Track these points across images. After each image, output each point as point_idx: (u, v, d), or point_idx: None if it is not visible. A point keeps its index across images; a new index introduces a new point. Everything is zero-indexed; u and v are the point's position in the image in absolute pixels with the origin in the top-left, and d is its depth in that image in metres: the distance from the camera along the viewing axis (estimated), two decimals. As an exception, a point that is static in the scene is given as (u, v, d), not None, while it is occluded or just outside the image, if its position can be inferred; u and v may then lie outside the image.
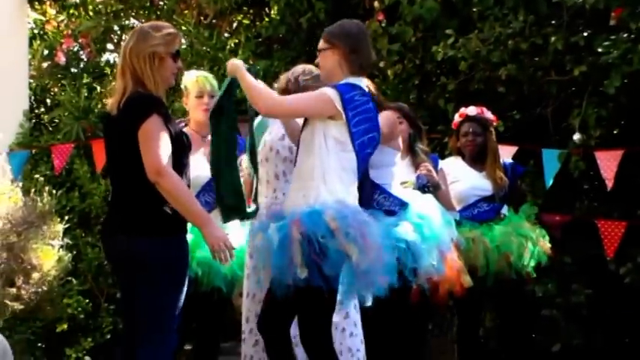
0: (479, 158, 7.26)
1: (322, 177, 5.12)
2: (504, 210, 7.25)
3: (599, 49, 7.94)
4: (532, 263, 7.06)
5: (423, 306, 6.69)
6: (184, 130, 6.44)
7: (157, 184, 4.75)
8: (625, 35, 7.91)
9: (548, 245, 7.18)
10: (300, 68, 6.06)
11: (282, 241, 4.96)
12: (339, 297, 5.30)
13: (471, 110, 7.33)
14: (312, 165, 5.15)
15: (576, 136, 8.10)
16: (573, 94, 8.52)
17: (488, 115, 7.34)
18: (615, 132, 8.68)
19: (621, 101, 8.12)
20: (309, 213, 5.01)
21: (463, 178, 7.16)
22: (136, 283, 4.89)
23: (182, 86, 6.63)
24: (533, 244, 7.07)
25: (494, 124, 7.44)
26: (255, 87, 5.14)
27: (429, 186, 6.60)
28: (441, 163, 7.21)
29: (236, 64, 5.26)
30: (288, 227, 4.99)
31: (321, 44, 5.36)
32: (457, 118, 7.41)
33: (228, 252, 4.84)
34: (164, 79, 4.98)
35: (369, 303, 5.40)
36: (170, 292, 4.89)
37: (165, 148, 4.78)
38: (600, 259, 8.24)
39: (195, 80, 6.52)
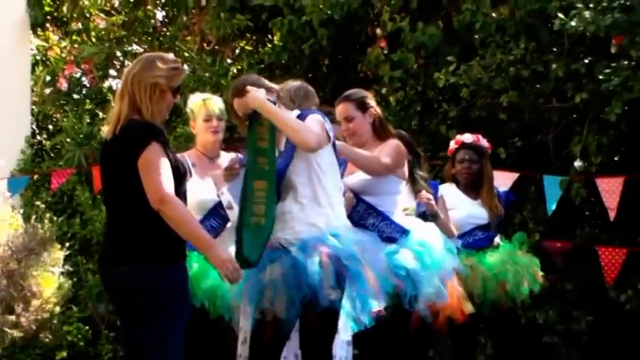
0: (473, 186, 7.25)
1: (329, 203, 5.16)
2: (497, 238, 7.24)
3: (600, 77, 7.95)
4: (526, 291, 7.05)
5: (423, 333, 6.65)
6: (189, 153, 6.48)
7: (161, 212, 4.73)
8: (625, 63, 7.92)
9: (541, 274, 7.15)
10: (295, 84, 6.04)
11: (313, 263, 4.95)
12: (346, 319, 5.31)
13: (467, 137, 7.32)
14: (316, 193, 5.16)
15: (577, 163, 8.10)
16: (574, 121, 8.53)
17: (484, 142, 7.33)
18: (616, 159, 8.68)
19: (622, 128, 8.12)
20: (331, 235, 5.06)
21: (459, 206, 7.14)
22: (137, 313, 4.87)
23: (188, 110, 6.59)
24: (528, 273, 7.05)
25: (489, 151, 7.42)
26: (295, 121, 5.14)
27: (427, 214, 6.60)
28: (442, 188, 7.19)
29: (260, 100, 5.15)
30: (312, 250, 5.00)
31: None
32: (453, 145, 7.40)
33: (236, 272, 4.83)
34: (160, 111, 4.96)
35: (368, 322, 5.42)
36: (173, 321, 4.85)
37: (166, 175, 4.76)
38: (601, 286, 8.22)
39: (203, 103, 6.49)
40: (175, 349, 4.85)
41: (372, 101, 6.11)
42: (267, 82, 5.34)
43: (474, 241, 7.10)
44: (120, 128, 4.88)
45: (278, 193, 5.23)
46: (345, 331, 5.52)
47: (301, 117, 5.24)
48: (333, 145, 5.31)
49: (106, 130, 5.01)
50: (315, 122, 5.17)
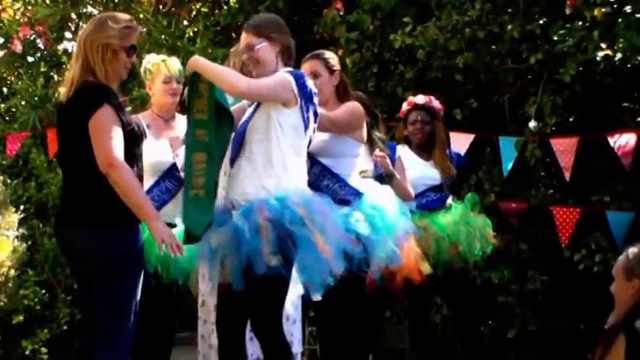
0: (426, 147, 7.26)
1: (282, 164, 5.08)
2: (450, 199, 7.27)
3: (555, 38, 7.98)
4: (479, 251, 7.09)
5: (379, 294, 6.69)
6: (143, 114, 6.43)
7: (108, 175, 4.71)
8: (580, 23, 7.96)
9: (493, 234, 7.20)
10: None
11: (252, 228, 4.91)
12: (298, 284, 5.31)
13: (419, 99, 7.33)
14: (269, 153, 5.11)
15: (532, 124, 8.13)
16: (529, 82, 8.56)
17: (436, 103, 7.34)
18: (571, 120, 8.73)
19: (576, 89, 8.15)
20: (275, 199, 4.97)
21: (411, 167, 7.14)
22: (91, 276, 4.86)
23: (142, 70, 6.53)
24: (480, 234, 7.09)
25: (442, 112, 7.43)
26: (225, 70, 5.11)
27: (383, 175, 6.61)
28: (399, 149, 7.20)
29: (195, 57, 5.16)
30: (255, 214, 4.96)
31: (255, 39, 5.27)
32: (405, 106, 7.41)
33: (176, 249, 4.80)
34: (115, 72, 4.93)
35: (318, 297, 5.41)
36: (127, 284, 4.85)
37: (117, 139, 4.74)
38: (556, 246, 8.28)
39: (163, 64, 6.43)
40: (129, 311, 4.85)
41: (338, 66, 6.10)
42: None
43: (427, 202, 7.13)
44: (73, 91, 4.86)
45: (234, 156, 5.22)
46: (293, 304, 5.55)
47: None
48: (308, 110, 5.23)
49: (62, 93, 4.98)
50: (274, 79, 5.12)
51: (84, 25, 10.82)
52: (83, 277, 4.95)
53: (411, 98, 7.34)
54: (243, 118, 5.27)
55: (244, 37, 5.32)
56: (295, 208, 4.91)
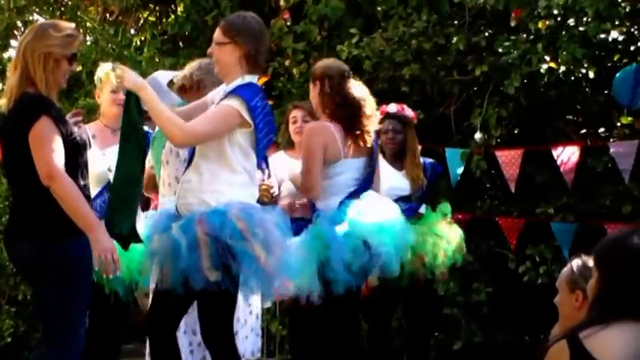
0: (399, 156, 7.24)
1: (228, 181, 5.06)
2: (422, 209, 7.25)
3: (500, 50, 8.04)
4: (447, 263, 7.07)
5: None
6: (90, 125, 6.39)
7: (50, 187, 4.68)
8: (524, 36, 8.03)
9: (463, 244, 7.20)
10: (195, 63, 6.03)
11: (189, 243, 4.89)
12: (242, 296, 5.29)
13: (392, 107, 7.29)
14: (217, 169, 5.09)
15: (477, 136, 8.18)
16: (475, 94, 8.62)
17: (409, 112, 7.32)
18: (515, 132, 8.80)
19: (521, 101, 8.22)
20: (213, 213, 4.94)
21: (382, 178, 7.14)
22: (40, 287, 4.83)
23: (95, 79, 6.47)
24: (447, 243, 7.07)
25: (414, 121, 7.43)
26: (165, 118, 4.95)
27: None
28: None
29: (140, 85, 5.00)
30: (194, 228, 4.93)
31: (222, 37, 5.17)
32: (378, 115, 7.38)
33: (113, 265, 4.77)
34: (56, 81, 4.88)
35: (268, 304, 5.42)
36: (74, 294, 4.82)
37: (57, 150, 4.70)
38: (501, 258, 8.34)
39: (112, 74, 6.38)
40: (78, 321, 4.84)
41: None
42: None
43: None
44: (13, 102, 4.82)
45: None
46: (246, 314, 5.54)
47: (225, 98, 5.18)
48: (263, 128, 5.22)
49: (2, 104, 4.94)
50: (217, 115, 5.05)
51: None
52: (34, 288, 4.93)
53: (383, 107, 7.30)
54: None
55: (216, 31, 5.24)
56: (235, 222, 4.88)
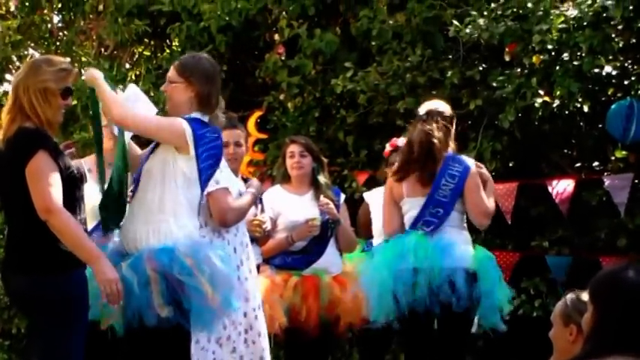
0: None
1: (172, 211, 5.04)
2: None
3: (494, 84, 8.08)
4: None
5: (322, 338, 6.69)
6: (86, 159, 6.38)
7: (47, 222, 4.67)
8: (518, 70, 8.08)
9: None
10: None
11: (140, 280, 4.88)
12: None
13: (401, 141, 7.32)
14: (162, 198, 5.07)
15: (472, 169, 8.18)
16: (469, 128, 8.64)
17: None
18: (510, 165, 8.82)
19: (515, 135, 8.25)
20: (161, 250, 4.94)
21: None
22: (36, 323, 4.81)
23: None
24: None
25: None
26: (111, 95, 5.02)
27: (329, 221, 6.65)
28: (367, 195, 7.21)
29: (93, 74, 5.08)
30: (143, 265, 4.93)
31: (175, 77, 5.20)
32: (388, 147, 7.39)
33: (118, 295, 4.77)
34: (54, 115, 4.89)
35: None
36: (74, 330, 4.80)
37: (54, 185, 4.69)
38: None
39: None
40: (75, 357, 4.81)
41: None
42: None
43: None
44: (8, 138, 4.82)
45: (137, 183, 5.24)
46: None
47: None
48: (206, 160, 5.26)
49: None
50: (165, 120, 5.12)
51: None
52: (30, 323, 4.91)
53: (393, 140, 7.30)
54: (141, 160, 5.27)
55: (170, 70, 5.30)
56: (183, 259, 4.89)
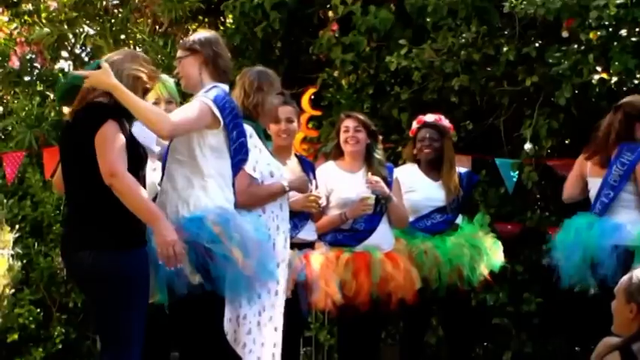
0: (435, 166, 7.23)
1: (202, 186, 5.12)
2: (459, 219, 7.25)
3: (551, 60, 8.01)
4: (485, 272, 7.09)
5: (374, 315, 6.70)
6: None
7: (112, 185, 4.72)
8: (575, 46, 7.99)
9: (502, 255, 7.21)
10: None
11: None
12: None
13: (429, 117, 7.34)
14: (190, 174, 5.14)
15: (527, 146, 8.16)
16: (525, 105, 8.59)
17: (446, 122, 7.35)
18: (567, 142, 8.76)
19: (572, 112, 8.18)
20: (190, 219, 5.01)
21: (418, 188, 7.14)
22: (97, 299, 4.87)
23: None
24: (485, 255, 7.08)
25: (451, 132, 7.44)
26: (147, 106, 5.01)
27: (380, 198, 6.64)
28: (396, 172, 7.20)
29: (111, 83, 4.89)
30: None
31: (180, 53, 5.35)
32: (415, 125, 7.40)
33: (175, 257, 4.81)
34: None
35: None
36: (134, 306, 4.86)
37: (121, 151, 4.76)
38: (551, 268, 8.28)
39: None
40: (136, 334, 4.86)
41: None
42: None
43: (432, 224, 7.11)
44: (80, 109, 4.87)
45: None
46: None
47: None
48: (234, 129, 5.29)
49: (67, 112, 5.00)
50: (196, 110, 5.11)
51: (80, 45, 10.95)
52: (93, 299, 4.96)
53: (420, 117, 7.33)
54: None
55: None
56: (211, 227, 4.94)
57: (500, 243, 7.25)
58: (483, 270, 7.10)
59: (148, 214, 4.81)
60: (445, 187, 7.16)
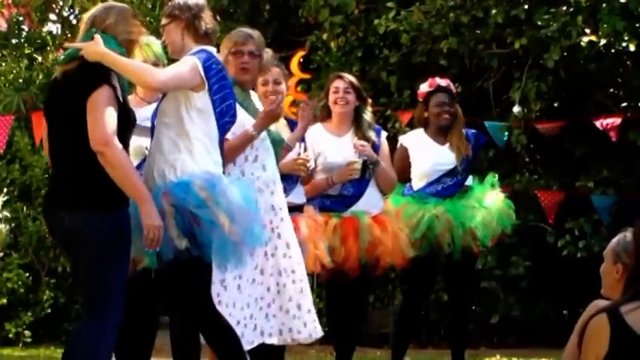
0: (443, 130, 7.17)
1: (188, 149, 5.08)
2: (469, 181, 7.20)
3: (539, 22, 7.99)
4: (497, 232, 7.05)
5: (363, 279, 6.70)
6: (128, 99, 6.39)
7: (102, 154, 4.68)
8: (564, 8, 7.98)
9: (513, 213, 7.16)
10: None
11: None
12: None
13: (441, 81, 7.23)
14: (177, 137, 5.13)
15: (516, 109, 8.15)
16: (514, 67, 8.57)
17: (452, 85, 7.30)
18: (555, 105, 8.75)
19: (561, 75, 8.17)
20: (177, 184, 4.96)
21: (425, 154, 7.07)
22: (81, 258, 4.86)
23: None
24: (498, 215, 7.05)
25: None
26: (136, 65, 4.98)
27: (368, 162, 6.61)
28: (402, 138, 7.15)
29: (100, 52, 4.79)
30: (159, 200, 4.97)
31: (163, 20, 5.28)
32: (426, 87, 7.25)
33: (157, 242, 4.80)
34: None
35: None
36: (114, 267, 4.84)
37: (112, 119, 4.72)
38: (539, 232, 8.31)
39: (139, 49, 6.36)
40: (118, 293, 4.85)
41: None
42: None
43: (443, 188, 7.02)
44: (72, 69, 4.83)
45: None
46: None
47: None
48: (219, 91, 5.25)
49: (58, 69, 4.95)
50: (187, 67, 5.03)
51: (68, 8, 10.88)
52: (73, 259, 4.96)
53: (431, 80, 7.21)
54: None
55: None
56: (197, 192, 4.94)
57: (511, 202, 7.18)
58: (496, 230, 7.05)
59: (135, 193, 4.78)
60: (455, 149, 7.09)
